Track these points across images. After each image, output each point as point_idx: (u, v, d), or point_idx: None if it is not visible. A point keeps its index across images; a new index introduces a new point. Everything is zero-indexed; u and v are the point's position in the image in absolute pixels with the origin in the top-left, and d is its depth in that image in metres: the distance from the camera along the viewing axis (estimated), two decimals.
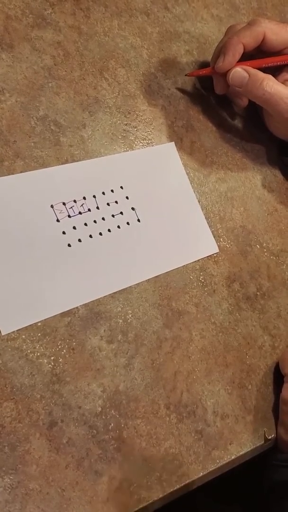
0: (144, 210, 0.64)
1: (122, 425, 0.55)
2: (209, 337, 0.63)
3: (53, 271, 0.57)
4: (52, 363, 0.54)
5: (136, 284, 0.61)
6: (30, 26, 0.64)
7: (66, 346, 0.55)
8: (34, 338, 0.54)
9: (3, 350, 0.53)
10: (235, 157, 0.74)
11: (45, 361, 0.54)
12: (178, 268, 0.64)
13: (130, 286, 0.60)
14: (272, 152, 0.77)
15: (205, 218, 0.68)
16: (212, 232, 0.68)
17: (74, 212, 0.60)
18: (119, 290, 0.60)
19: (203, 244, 0.67)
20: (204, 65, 0.75)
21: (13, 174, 0.58)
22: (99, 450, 0.53)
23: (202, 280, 0.65)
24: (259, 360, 0.65)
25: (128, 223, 0.63)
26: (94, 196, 0.62)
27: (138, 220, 0.63)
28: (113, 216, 0.62)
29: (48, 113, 0.62)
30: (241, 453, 0.60)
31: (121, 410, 0.56)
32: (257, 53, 0.70)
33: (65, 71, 0.65)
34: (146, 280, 0.62)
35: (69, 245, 0.58)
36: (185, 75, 0.72)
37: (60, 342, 0.55)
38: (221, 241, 0.68)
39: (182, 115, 0.71)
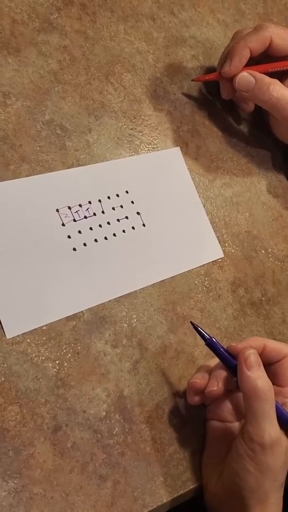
0: (149, 214, 0.64)
1: (127, 430, 0.55)
2: None
3: (58, 275, 0.57)
4: (57, 367, 0.54)
5: (141, 288, 0.61)
6: (36, 31, 0.64)
7: (71, 350, 0.55)
8: (39, 342, 0.54)
9: (8, 354, 0.52)
10: (240, 162, 0.73)
11: (50, 365, 0.54)
12: (183, 273, 0.64)
13: (135, 291, 0.60)
14: (277, 157, 0.77)
15: (210, 223, 0.68)
16: (217, 237, 0.68)
17: (80, 217, 0.60)
18: (124, 295, 0.60)
19: (208, 249, 0.67)
20: (210, 70, 0.75)
21: (18, 178, 0.58)
22: (103, 455, 0.53)
23: (207, 285, 0.65)
24: None
25: (133, 228, 0.63)
26: (99, 201, 0.62)
27: (143, 225, 0.63)
28: (118, 220, 0.62)
29: (54, 117, 0.62)
30: None
31: (126, 414, 0.56)
32: (264, 58, 0.70)
33: (71, 75, 0.65)
34: (151, 285, 0.61)
35: (74, 249, 0.58)
36: (192, 80, 0.72)
37: (65, 346, 0.55)
38: (226, 246, 0.68)
39: (188, 120, 0.71)
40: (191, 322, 0.56)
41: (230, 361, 0.54)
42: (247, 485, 0.51)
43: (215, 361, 0.57)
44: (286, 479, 0.53)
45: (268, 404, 0.50)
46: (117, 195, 0.63)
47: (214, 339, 0.55)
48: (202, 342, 0.61)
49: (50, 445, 0.51)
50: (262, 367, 0.52)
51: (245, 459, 0.51)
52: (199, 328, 0.56)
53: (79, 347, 0.56)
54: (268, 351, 0.55)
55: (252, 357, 0.52)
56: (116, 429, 0.55)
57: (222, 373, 0.55)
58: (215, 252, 0.67)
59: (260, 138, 0.76)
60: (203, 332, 0.55)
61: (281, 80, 0.69)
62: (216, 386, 0.54)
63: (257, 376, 0.51)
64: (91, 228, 0.60)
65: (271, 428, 0.50)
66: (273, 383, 0.53)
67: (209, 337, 0.55)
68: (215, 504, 0.55)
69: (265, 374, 0.52)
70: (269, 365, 0.56)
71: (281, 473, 0.52)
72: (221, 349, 0.55)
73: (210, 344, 0.55)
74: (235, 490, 0.51)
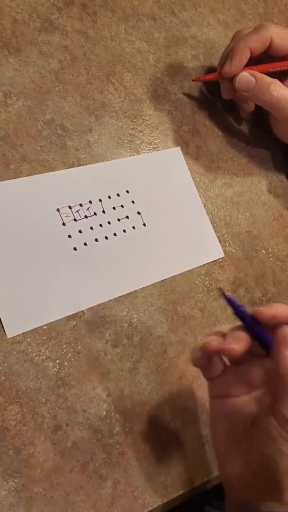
0: (149, 214, 0.64)
1: (127, 430, 0.55)
2: None
3: (58, 274, 0.57)
4: (57, 367, 0.54)
5: (141, 288, 0.61)
6: (37, 30, 0.64)
7: (71, 349, 0.55)
8: (40, 341, 0.54)
9: (8, 353, 0.53)
10: (241, 162, 0.74)
11: (50, 364, 0.54)
12: (184, 272, 0.64)
13: (135, 290, 0.60)
14: (278, 157, 0.77)
15: (211, 223, 0.68)
16: (217, 237, 0.68)
17: (80, 216, 0.60)
18: (125, 294, 0.60)
19: (209, 249, 0.67)
20: (210, 70, 0.75)
21: (19, 177, 0.58)
22: (103, 454, 0.53)
23: (208, 285, 0.65)
24: None
25: (133, 227, 0.63)
26: (100, 200, 0.62)
27: (144, 225, 0.63)
28: (119, 220, 0.62)
29: (55, 117, 0.62)
30: None
31: (126, 414, 0.56)
32: (264, 58, 0.70)
33: (72, 75, 0.65)
34: (151, 285, 0.62)
35: (74, 249, 0.58)
36: (192, 80, 0.72)
37: (65, 345, 0.55)
38: (227, 246, 0.68)
39: (188, 120, 0.71)
40: (220, 289, 0.52)
41: (263, 334, 0.50)
42: (283, 469, 0.49)
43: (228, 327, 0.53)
44: None
45: None
46: (118, 195, 0.63)
47: (244, 309, 0.51)
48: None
49: (50, 445, 0.52)
50: None
51: (280, 442, 0.48)
52: (229, 297, 0.51)
53: (79, 347, 0.56)
54: None
55: None
56: (117, 428, 0.55)
57: (243, 336, 0.51)
58: (215, 252, 0.67)
59: (260, 138, 0.76)
60: (233, 300, 0.51)
61: (282, 80, 0.69)
62: (236, 344, 0.50)
63: None
64: (91, 228, 0.60)
65: None
66: None
67: (240, 308, 0.51)
68: (237, 487, 0.53)
69: None
70: None
71: None
72: (252, 321, 0.51)
73: (242, 314, 0.51)
74: (267, 474, 0.50)
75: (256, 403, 0.52)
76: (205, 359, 0.52)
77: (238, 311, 0.50)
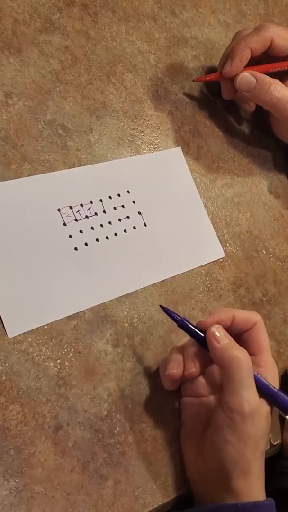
0: (150, 214, 0.64)
1: (128, 429, 0.55)
2: None
3: (59, 274, 0.57)
4: (58, 367, 0.54)
5: (142, 288, 0.61)
6: (38, 31, 0.65)
7: (72, 349, 0.55)
8: (40, 341, 0.54)
9: (9, 353, 0.53)
10: (241, 162, 0.74)
11: (51, 364, 0.54)
12: (184, 272, 0.64)
13: (136, 290, 0.60)
14: (278, 157, 0.77)
15: (211, 223, 0.68)
16: (218, 237, 0.68)
17: (81, 216, 0.60)
18: (125, 294, 0.60)
19: (209, 249, 0.67)
20: (211, 70, 0.75)
21: (20, 177, 0.58)
22: (104, 454, 0.53)
23: (208, 285, 0.65)
24: None
25: (134, 227, 0.63)
26: (101, 200, 0.62)
27: (145, 225, 0.63)
28: (119, 220, 0.62)
29: (56, 117, 0.62)
30: None
31: (127, 414, 0.56)
32: (265, 58, 0.70)
33: (73, 75, 0.65)
34: (152, 285, 0.62)
35: (75, 249, 0.58)
36: (193, 81, 0.72)
37: (66, 345, 0.55)
38: (227, 246, 0.68)
39: (189, 120, 0.71)
40: (160, 305, 0.57)
41: (203, 338, 0.54)
42: (229, 456, 0.51)
43: (184, 341, 0.57)
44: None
45: (244, 371, 0.51)
46: (119, 195, 0.63)
47: (185, 320, 0.55)
48: None
49: (51, 444, 0.52)
50: (231, 338, 0.53)
51: (225, 429, 0.51)
52: (169, 311, 0.56)
53: (80, 347, 0.56)
54: (238, 321, 0.55)
55: (219, 331, 0.53)
56: (117, 428, 0.55)
57: (195, 351, 0.55)
58: (216, 252, 0.67)
59: (261, 138, 0.76)
60: (174, 314, 0.56)
61: (282, 80, 0.69)
62: (194, 367, 0.55)
63: (229, 346, 0.52)
64: (92, 228, 0.60)
65: (250, 396, 0.51)
66: None
67: (180, 319, 0.55)
68: (197, 479, 0.55)
69: (236, 344, 0.53)
70: (240, 335, 0.56)
71: (262, 441, 0.52)
72: (194, 329, 0.55)
73: (182, 325, 0.55)
74: (216, 463, 0.52)
75: (218, 401, 0.55)
76: (176, 382, 0.57)
77: (180, 323, 0.55)
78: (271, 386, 0.53)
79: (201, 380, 0.57)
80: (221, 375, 0.52)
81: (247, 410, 0.50)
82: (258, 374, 0.53)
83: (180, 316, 0.55)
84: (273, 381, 0.54)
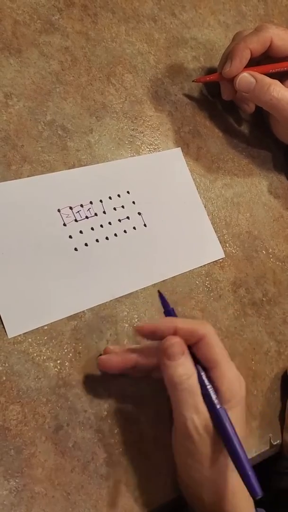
0: (150, 215, 0.64)
1: (128, 430, 0.55)
2: None
3: (59, 275, 0.57)
4: (58, 367, 0.54)
5: (142, 288, 0.61)
6: (38, 32, 0.65)
7: (72, 350, 0.55)
8: (41, 341, 0.54)
9: (9, 353, 0.53)
10: (241, 163, 0.74)
11: (51, 364, 0.54)
12: (184, 273, 0.64)
13: (136, 291, 0.61)
14: (278, 158, 0.77)
15: (211, 223, 0.68)
16: (218, 237, 0.68)
17: (81, 217, 0.60)
18: (125, 295, 0.60)
19: (209, 250, 0.67)
20: (211, 71, 0.75)
21: (20, 178, 0.58)
22: (104, 454, 0.53)
23: (208, 286, 0.65)
24: (264, 366, 0.65)
25: (134, 228, 0.63)
26: (100, 201, 0.62)
27: (145, 225, 0.63)
28: (119, 220, 0.62)
29: (56, 118, 0.62)
30: None
31: (127, 414, 0.56)
32: (264, 59, 0.70)
33: (73, 76, 0.65)
34: (152, 285, 0.62)
35: (75, 249, 0.59)
36: (192, 81, 0.72)
37: (66, 345, 0.55)
38: (227, 246, 0.68)
39: (189, 121, 0.71)
40: (158, 290, 0.56)
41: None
42: (195, 482, 0.50)
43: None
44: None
45: (185, 392, 0.49)
46: (119, 196, 0.63)
47: (173, 312, 0.54)
48: None
49: (51, 445, 0.52)
50: (184, 354, 0.51)
51: (178, 450, 0.51)
52: (163, 298, 0.55)
53: (80, 347, 0.56)
54: (181, 334, 0.51)
55: (174, 347, 0.50)
56: (117, 428, 0.55)
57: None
58: (216, 252, 0.67)
59: (260, 139, 0.76)
60: (166, 303, 0.55)
61: (282, 81, 0.69)
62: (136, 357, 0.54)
63: (176, 365, 0.50)
64: (92, 228, 0.60)
65: (194, 415, 0.49)
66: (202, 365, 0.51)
67: (169, 309, 0.54)
68: (184, 491, 0.54)
69: (186, 361, 0.50)
70: (190, 347, 0.52)
71: (220, 456, 0.50)
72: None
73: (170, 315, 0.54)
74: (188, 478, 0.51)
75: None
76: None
77: (166, 314, 0.55)
78: (217, 406, 0.50)
79: None
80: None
81: (191, 429, 0.49)
82: (210, 389, 0.50)
83: (170, 308, 0.54)
84: (230, 394, 0.51)
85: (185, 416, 0.49)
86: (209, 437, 0.49)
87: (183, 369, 0.50)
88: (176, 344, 0.50)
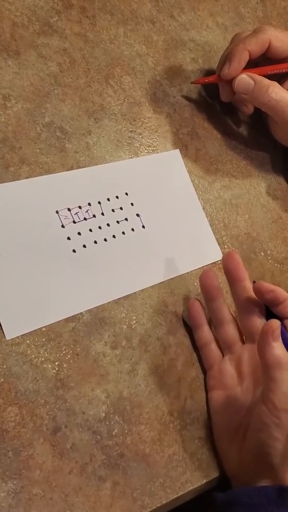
0: (149, 216, 0.64)
1: (126, 431, 0.55)
2: None
3: (57, 276, 0.57)
4: (56, 369, 0.54)
5: (140, 290, 0.61)
6: (36, 33, 0.65)
7: (70, 351, 0.55)
8: (39, 343, 0.54)
9: (7, 355, 0.53)
10: (239, 164, 0.74)
11: (49, 366, 0.54)
12: (183, 274, 0.64)
13: (134, 292, 0.61)
14: (277, 159, 0.77)
15: (210, 225, 0.68)
16: (216, 239, 0.68)
17: (79, 218, 0.60)
18: (124, 296, 0.60)
19: (208, 251, 0.67)
20: (209, 73, 0.75)
21: (18, 180, 0.58)
22: (102, 456, 0.53)
23: None
24: None
25: (132, 230, 0.63)
26: (99, 202, 0.62)
27: (143, 227, 0.64)
28: (118, 222, 0.62)
29: (54, 120, 0.62)
30: None
31: (125, 416, 0.56)
32: (263, 61, 0.70)
33: (71, 78, 0.65)
34: (150, 286, 0.62)
35: (73, 251, 0.59)
36: (191, 83, 0.72)
37: (64, 347, 0.55)
38: (226, 248, 0.68)
39: (187, 122, 0.71)
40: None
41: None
42: (277, 452, 0.52)
43: None
44: None
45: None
46: (117, 197, 0.63)
47: None
48: None
49: (49, 446, 0.52)
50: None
51: (271, 427, 0.51)
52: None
53: (78, 349, 0.56)
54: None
55: (278, 331, 0.53)
56: (116, 430, 0.55)
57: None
58: (214, 254, 0.67)
59: (259, 141, 0.76)
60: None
61: (280, 82, 0.69)
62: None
63: (281, 348, 0.52)
64: (90, 230, 0.60)
65: None
66: None
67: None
68: (239, 474, 0.56)
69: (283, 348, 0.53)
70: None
71: None
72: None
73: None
74: (263, 459, 0.53)
75: (248, 393, 0.57)
76: None
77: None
78: None
79: (228, 368, 0.59)
80: (264, 372, 0.52)
81: None
82: None
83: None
84: None
85: (286, 393, 0.51)
86: None
87: (283, 350, 0.52)
88: (279, 327, 0.54)
